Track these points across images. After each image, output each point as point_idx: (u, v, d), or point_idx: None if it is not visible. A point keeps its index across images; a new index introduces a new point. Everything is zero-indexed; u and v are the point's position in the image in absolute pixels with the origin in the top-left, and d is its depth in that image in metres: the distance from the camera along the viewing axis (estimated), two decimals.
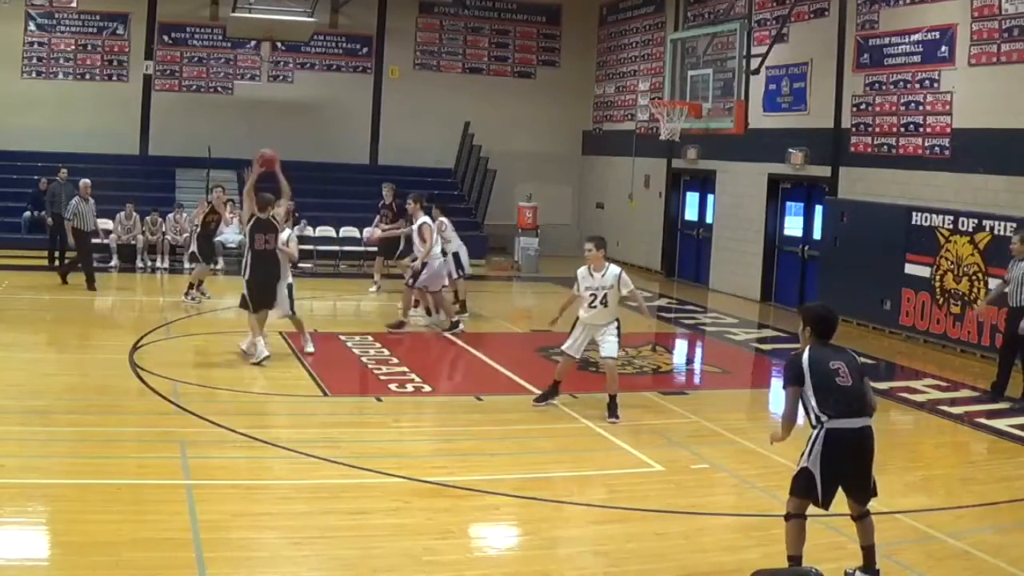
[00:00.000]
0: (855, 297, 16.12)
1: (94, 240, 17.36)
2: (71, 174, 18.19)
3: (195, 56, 23.79)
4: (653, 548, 6.77)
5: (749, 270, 19.22)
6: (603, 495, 7.75)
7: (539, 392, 10.49)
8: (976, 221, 13.92)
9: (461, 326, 14.33)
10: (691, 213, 22.17)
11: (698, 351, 15.32)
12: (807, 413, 6.15)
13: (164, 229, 19.89)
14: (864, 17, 16.61)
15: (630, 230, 23.60)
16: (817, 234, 17.80)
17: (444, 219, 15.23)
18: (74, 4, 22.91)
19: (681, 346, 15.57)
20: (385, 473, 7.90)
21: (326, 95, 24.37)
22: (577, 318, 10.17)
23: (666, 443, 9.28)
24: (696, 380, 13.26)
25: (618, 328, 10.09)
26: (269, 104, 23.87)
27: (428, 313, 15.17)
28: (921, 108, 15.49)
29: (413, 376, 11.44)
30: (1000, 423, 10.44)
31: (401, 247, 16.53)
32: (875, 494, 6.21)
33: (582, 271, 10.04)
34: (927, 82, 15.35)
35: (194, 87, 23.83)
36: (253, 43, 23.73)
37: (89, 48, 23.08)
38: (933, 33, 15.18)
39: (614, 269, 10.01)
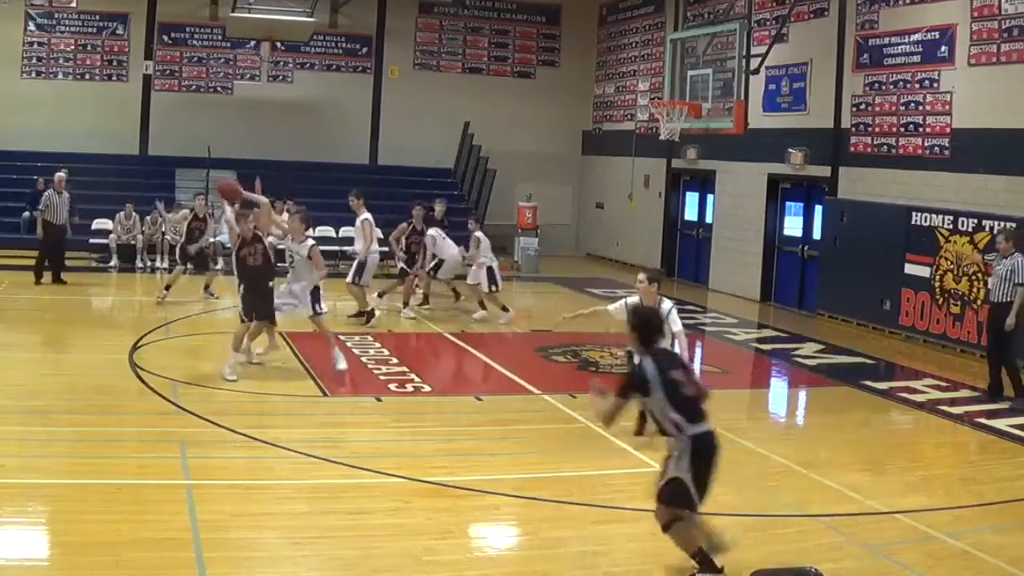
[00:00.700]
0: (855, 297, 16.14)
1: (68, 235, 17.26)
2: (71, 174, 18.16)
3: (195, 56, 23.78)
4: (653, 548, 6.76)
5: (749, 270, 19.22)
6: (603, 495, 7.74)
7: (538, 391, 10.47)
8: (976, 221, 13.93)
9: (373, 321, 14.45)
10: (691, 213, 22.17)
11: (698, 351, 15.28)
12: (659, 422, 6.11)
13: (164, 229, 19.86)
14: (864, 17, 16.61)
15: (630, 230, 23.62)
16: (817, 234, 17.81)
17: (479, 233, 15.72)
18: (74, 4, 22.90)
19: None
20: (385, 473, 7.90)
21: (326, 95, 24.36)
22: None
23: (666, 443, 9.26)
24: None
25: None
26: (269, 104, 23.87)
27: (405, 304, 15.53)
28: (921, 108, 15.49)
29: (413, 376, 11.44)
30: (1000, 423, 10.44)
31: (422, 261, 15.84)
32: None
33: (633, 300, 8.93)
34: (927, 82, 15.36)
35: (194, 87, 23.83)
36: (253, 43, 23.73)
37: (89, 48, 23.08)
38: (933, 33, 15.18)
39: (667, 304, 9.15)
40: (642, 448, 8.98)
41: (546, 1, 25.93)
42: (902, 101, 15.84)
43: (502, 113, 24.93)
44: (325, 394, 10.59)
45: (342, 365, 11.13)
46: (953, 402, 11.38)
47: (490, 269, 15.40)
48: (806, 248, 18.16)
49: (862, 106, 16.65)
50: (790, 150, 18.03)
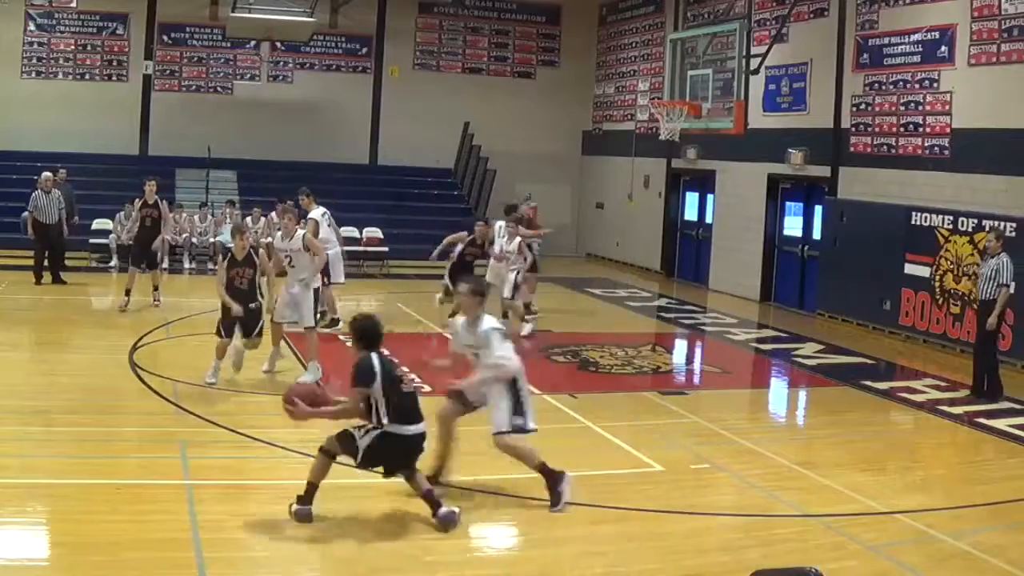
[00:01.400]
0: (855, 297, 16.14)
1: (62, 234, 17.23)
2: (71, 174, 18.17)
3: (195, 56, 23.78)
4: (653, 548, 6.78)
5: (749, 270, 19.22)
6: (603, 495, 7.74)
7: (538, 391, 10.44)
8: (976, 221, 13.93)
9: (340, 325, 13.50)
10: (691, 213, 22.17)
11: (698, 351, 15.31)
12: (370, 413, 6.68)
13: (173, 217, 19.84)
14: (864, 17, 16.62)
15: (630, 230, 23.62)
16: (817, 234, 17.81)
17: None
18: (74, 4, 22.90)
19: (681, 346, 15.57)
20: None
21: (326, 95, 24.36)
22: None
23: (666, 443, 9.28)
24: (696, 380, 13.26)
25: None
26: (269, 104, 23.87)
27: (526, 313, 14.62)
28: (921, 108, 15.49)
29: (413, 376, 11.41)
30: (1000, 423, 10.44)
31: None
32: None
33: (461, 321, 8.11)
34: (927, 82, 15.36)
35: (194, 87, 23.83)
36: (253, 43, 23.75)
37: (89, 48, 23.08)
38: (933, 33, 15.18)
39: (487, 323, 7.76)
40: (642, 448, 9.00)
41: (546, 1, 25.93)
42: (902, 101, 15.84)
43: (502, 113, 24.93)
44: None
45: (307, 378, 10.40)
46: (953, 402, 11.38)
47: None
48: (806, 248, 18.16)
49: (862, 106, 16.65)
50: (790, 150, 18.03)
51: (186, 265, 19.93)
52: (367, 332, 6.89)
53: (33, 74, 22.75)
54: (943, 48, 15.00)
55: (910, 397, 11.66)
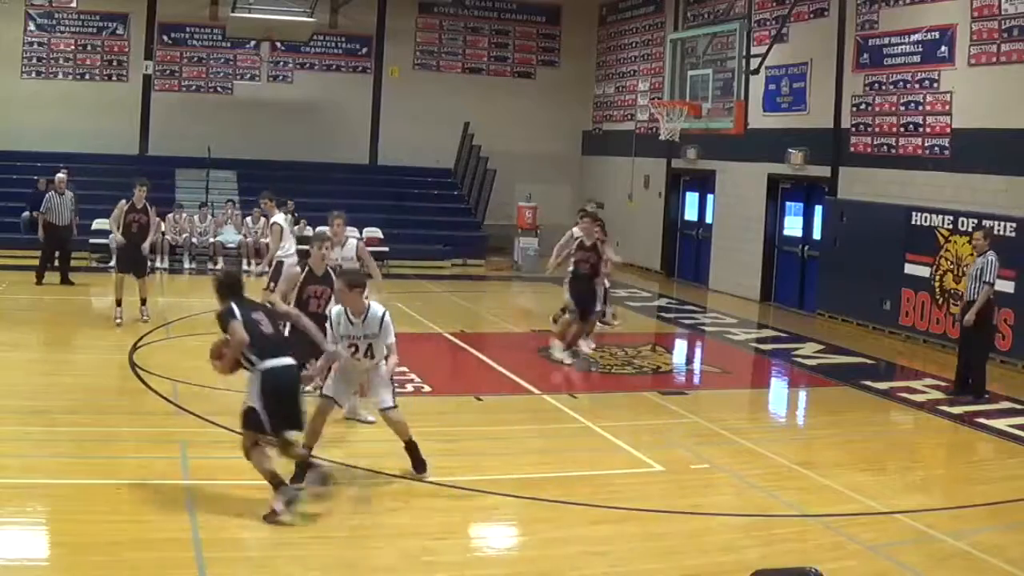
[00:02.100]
0: (855, 297, 16.14)
1: (73, 236, 17.18)
2: (71, 174, 18.16)
3: (195, 56, 23.78)
4: (653, 548, 6.78)
5: (749, 270, 19.21)
6: (603, 495, 7.74)
7: (538, 391, 10.48)
8: (976, 221, 13.89)
9: None
10: (691, 213, 22.17)
11: (698, 351, 15.31)
12: (245, 363, 7.04)
13: (163, 229, 19.88)
14: (864, 17, 16.61)
15: (630, 230, 23.60)
16: (817, 234, 17.80)
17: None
18: (74, 4, 22.90)
19: (681, 346, 15.57)
20: (385, 473, 7.91)
21: (326, 95, 24.36)
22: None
23: (666, 443, 9.28)
24: (696, 380, 13.26)
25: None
26: (269, 104, 23.87)
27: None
28: (921, 108, 15.49)
29: (413, 376, 11.43)
30: (1000, 423, 10.44)
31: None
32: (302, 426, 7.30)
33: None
34: (927, 82, 15.36)
35: (194, 87, 23.82)
36: (253, 43, 23.74)
37: (89, 48, 23.08)
38: (933, 33, 15.18)
39: (376, 308, 7.83)
40: (642, 448, 9.00)
41: (546, 1, 25.93)
42: (902, 101, 15.84)
43: (502, 113, 24.92)
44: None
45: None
46: (953, 402, 11.37)
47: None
48: (806, 248, 18.15)
49: (862, 106, 16.65)
50: (790, 150, 18.03)
51: (186, 265, 19.93)
52: (223, 284, 7.33)
53: (33, 74, 22.75)
54: (943, 48, 15.00)
55: (910, 397, 11.66)
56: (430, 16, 25.30)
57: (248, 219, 20.36)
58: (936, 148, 15.21)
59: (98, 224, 20.00)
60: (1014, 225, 13.16)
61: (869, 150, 16.51)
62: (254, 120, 23.36)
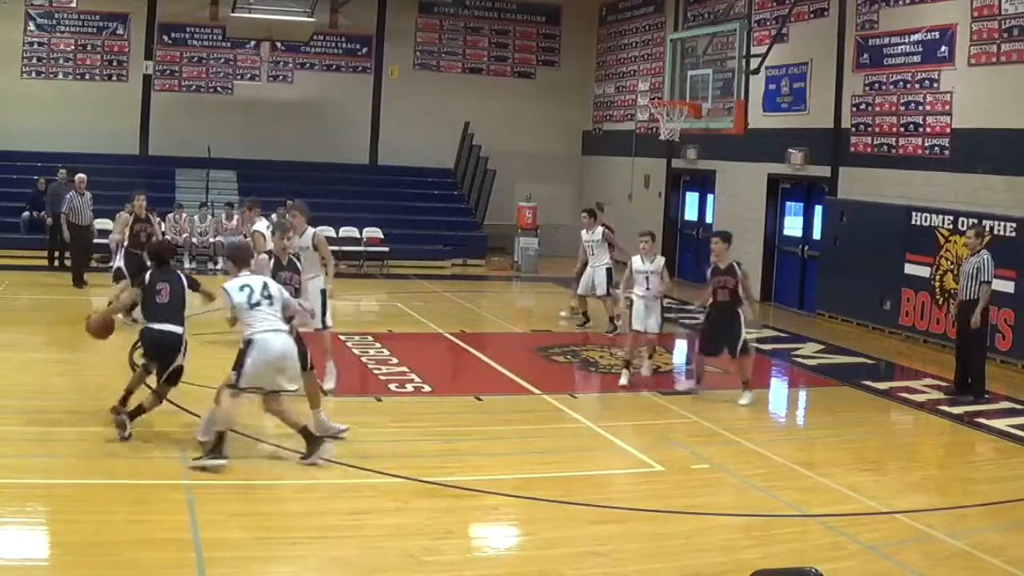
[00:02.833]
0: (855, 297, 16.14)
1: (95, 237, 17.22)
2: (71, 174, 18.16)
3: (195, 56, 23.77)
4: (653, 548, 6.77)
5: (749, 270, 19.09)
6: (603, 495, 7.74)
7: (538, 391, 10.47)
8: (976, 221, 13.89)
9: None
10: (691, 213, 22.16)
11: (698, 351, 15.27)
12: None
13: (163, 229, 19.85)
14: (864, 17, 16.61)
15: (630, 230, 23.54)
16: (817, 234, 17.80)
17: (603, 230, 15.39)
18: (74, 4, 22.90)
19: (681, 346, 15.56)
20: (385, 473, 7.91)
21: (326, 95, 24.36)
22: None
23: (666, 443, 9.28)
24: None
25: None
26: (269, 104, 23.87)
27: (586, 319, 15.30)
28: (921, 108, 15.49)
29: (413, 376, 11.43)
30: (1000, 423, 10.44)
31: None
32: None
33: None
34: (927, 82, 15.36)
35: (194, 87, 23.82)
36: (253, 43, 23.74)
37: (89, 48, 23.07)
38: (933, 33, 15.18)
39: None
40: (642, 448, 9.00)
41: (546, 1, 25.93)
42: (902, 101, 15.84)
43: (502, 113, 24.92)
44: (325, 394, 10.55)
45: (330, 385, 10.35)
46: (953, 402, 11.37)
47: (609, 271, 15.21)
48: (806, 248, 18.15)
49: (862, 106, 16.65)
50: (790, 150, 18.03)
51: (186, 265, 19.91)
52: (150, 252, 8.91)
53: (33, 74, 22.75)
54: (943, 48, 15.00)
55: (910, 397, 11.66)
56: (430, 16, 25.30)
57: (222, 215, 20.31)
58: (936, 148, 15.21)
59: (99, 224, 19.96)
60: (1014, 225, 13.16)
61: (869, 150, 16.51)
62: (254, 120, 23.37)
